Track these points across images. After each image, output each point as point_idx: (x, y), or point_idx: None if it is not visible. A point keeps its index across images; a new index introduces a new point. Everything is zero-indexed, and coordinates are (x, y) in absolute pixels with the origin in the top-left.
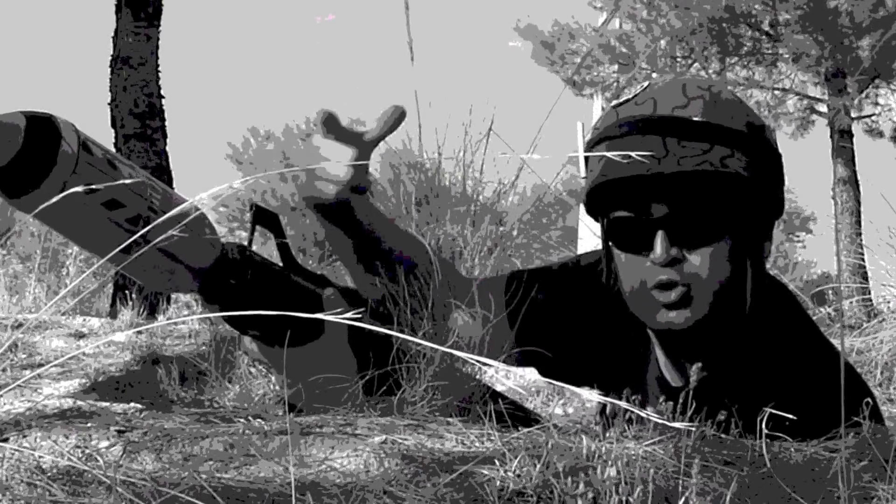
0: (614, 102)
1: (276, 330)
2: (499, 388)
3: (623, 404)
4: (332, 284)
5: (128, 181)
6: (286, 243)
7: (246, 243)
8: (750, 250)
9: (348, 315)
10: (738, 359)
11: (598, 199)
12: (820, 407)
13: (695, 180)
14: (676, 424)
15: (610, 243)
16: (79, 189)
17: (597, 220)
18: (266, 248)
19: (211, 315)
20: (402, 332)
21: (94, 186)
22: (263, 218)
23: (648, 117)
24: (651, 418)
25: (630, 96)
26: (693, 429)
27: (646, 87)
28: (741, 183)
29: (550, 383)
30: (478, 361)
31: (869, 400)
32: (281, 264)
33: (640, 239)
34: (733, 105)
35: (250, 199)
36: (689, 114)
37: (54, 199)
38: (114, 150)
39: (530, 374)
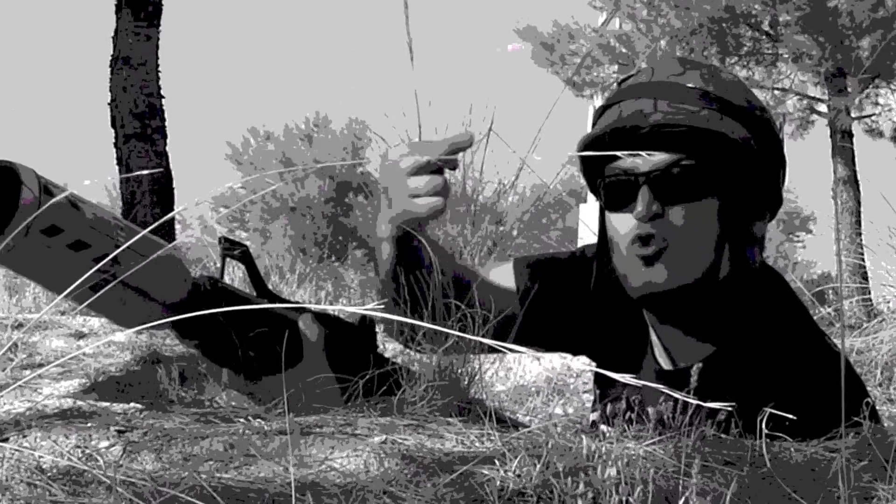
0: (620, 78)
1: (255, 360)
2: (498, 387)
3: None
4: (307, 310)
5: (91, 221)
6: (258, 272)
7: (217, 275)
8: (737, 221)
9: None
10: (733, 351)
11: (592, 160)
12: (818, 406)
13: (680, 137)
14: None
15: (604, 209)
16: (41, 232)
17: (593, 187)
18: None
19: (215, 311)
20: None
21: (58, 228)
22: (233, 250)
23: (644, 83)
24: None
25: (635, 71)
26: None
27: (648, 65)
28: (728, 146)
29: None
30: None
31: (869, 400)
32: (256, 292)
33: (627, 196)
34: (732, 82)
35: (221, 235)
36: (684, 81)
37: (17, 244)
38: (114, 151)
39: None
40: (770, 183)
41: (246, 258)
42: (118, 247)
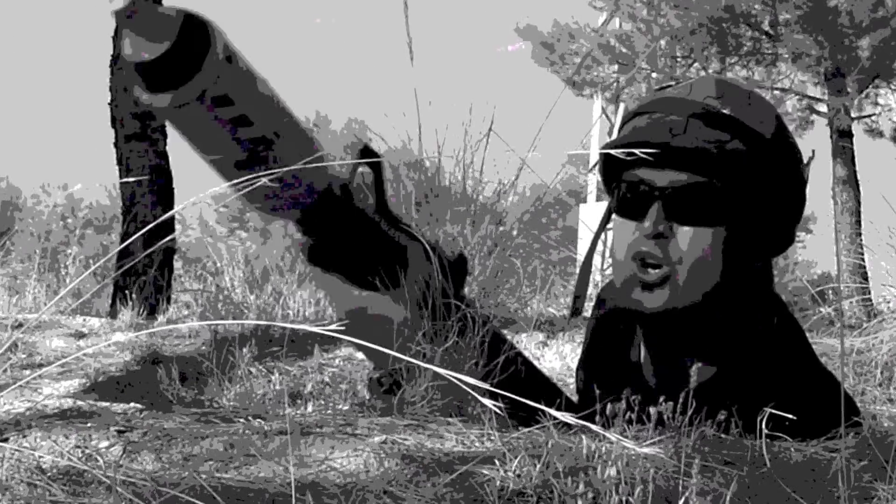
0: (657, 87)
1: (358, 271)
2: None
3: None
4: (417, 239)
5: (260, 99)
6: (383, 189)
7: (348, 180)
8: (742, 254)
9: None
10: (726, 377)
11: (613, 161)
12: (811, 430)
13: (703, 162)
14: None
15: (612, 214)
16: (213, 99)
17: (609, 189)
18: None
19: (211, 322)
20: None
21: (230, 99)
22: (367, 158)
23: (680, 99)
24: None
25: (673, 83)
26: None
27: (690, 79)
28: (749, 180)
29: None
30: (459, 380)
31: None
32: (376, 208)
33: (638, 206)
34: (767, 112)
35: (357, 140)
36: (719, 105)
37: (189, 104)
38: (114, 151)
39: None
40: (784, 222)
41: (376, 170)
42: (277, 133)
